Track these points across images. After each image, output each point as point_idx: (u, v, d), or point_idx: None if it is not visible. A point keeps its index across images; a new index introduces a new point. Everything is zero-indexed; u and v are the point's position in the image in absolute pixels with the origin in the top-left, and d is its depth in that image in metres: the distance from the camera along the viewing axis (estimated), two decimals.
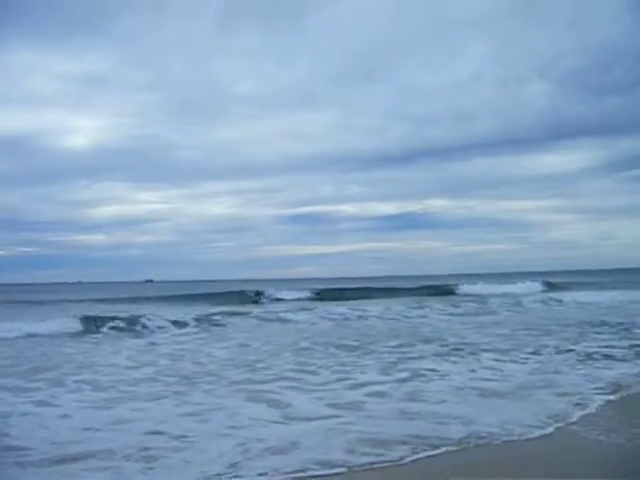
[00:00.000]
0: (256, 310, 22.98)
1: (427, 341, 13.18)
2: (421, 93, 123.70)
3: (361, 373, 9.23)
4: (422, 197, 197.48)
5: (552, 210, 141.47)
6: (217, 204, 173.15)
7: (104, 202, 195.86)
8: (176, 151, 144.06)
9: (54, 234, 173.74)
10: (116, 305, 28.35)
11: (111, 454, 5.29)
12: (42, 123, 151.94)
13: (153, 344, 14.00)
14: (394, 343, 12.81)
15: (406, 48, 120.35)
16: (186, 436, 5.83)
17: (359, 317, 20.71)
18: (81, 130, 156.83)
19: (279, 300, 33.85)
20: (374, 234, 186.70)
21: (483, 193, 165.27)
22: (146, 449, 5.42)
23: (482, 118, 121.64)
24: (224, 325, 18.41)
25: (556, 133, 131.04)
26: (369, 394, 7.66)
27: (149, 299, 34.94)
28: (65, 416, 6.82)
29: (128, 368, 10.28)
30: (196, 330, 17.00)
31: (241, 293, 34.71)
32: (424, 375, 8.93)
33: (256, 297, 33.60)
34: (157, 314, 19.49)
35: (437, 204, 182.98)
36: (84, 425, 6.34)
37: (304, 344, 13.05)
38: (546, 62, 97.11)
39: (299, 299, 33.84)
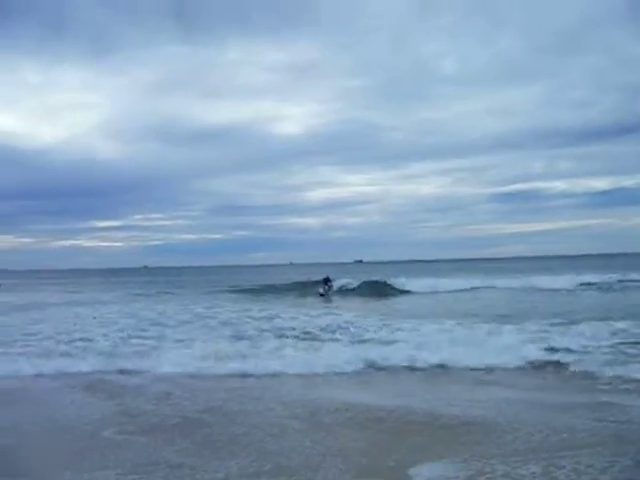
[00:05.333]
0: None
1: None
2: (634, 63, 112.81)
3: None
4: (637, 171, 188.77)
5: None
6: (425, 184, 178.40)
7: (315, 186, 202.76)
8: (383, 133, 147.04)
9: (267, 218, 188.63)
10: None
11: None
12: (256, 112, 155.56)
13: None
14: None
15: (615, 17, 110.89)
16: None
17: None
18: (292, 117, 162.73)
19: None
20: (584, 210, 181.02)
21: None
22: None
23: None
24: None
25: None
26: None
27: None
28: None
29: None
30: None
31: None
32: None
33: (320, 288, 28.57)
34: None
35: None
36: None
37: None
38: None
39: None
